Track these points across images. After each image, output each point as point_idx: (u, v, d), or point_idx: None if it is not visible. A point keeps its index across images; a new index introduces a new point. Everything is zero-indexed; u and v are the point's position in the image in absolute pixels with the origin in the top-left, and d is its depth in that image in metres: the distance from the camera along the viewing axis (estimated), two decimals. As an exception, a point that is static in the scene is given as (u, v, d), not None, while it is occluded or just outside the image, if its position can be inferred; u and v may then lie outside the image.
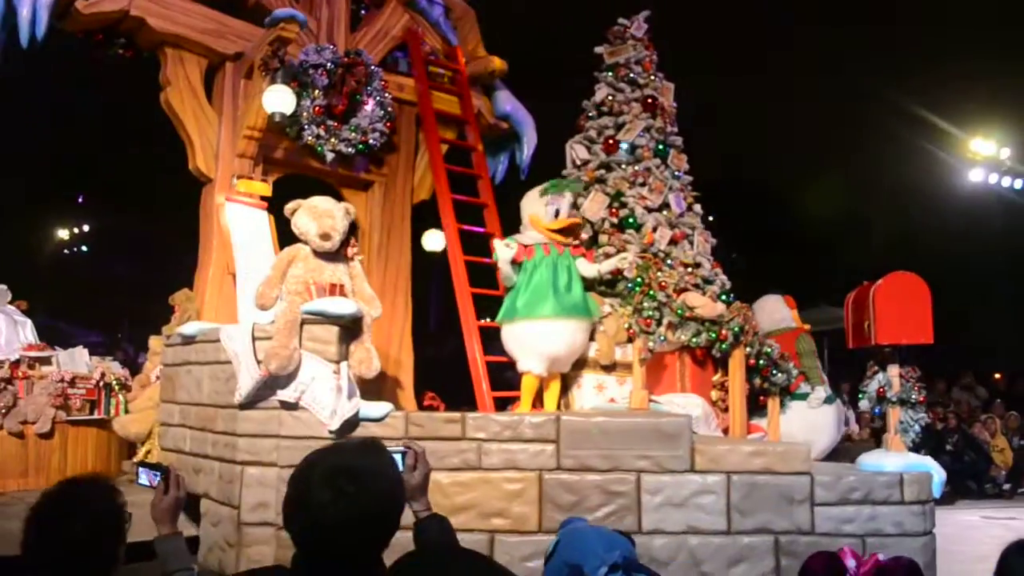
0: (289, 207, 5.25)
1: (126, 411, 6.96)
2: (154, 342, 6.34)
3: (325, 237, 5.09)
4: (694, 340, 5.83)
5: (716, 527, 4.82)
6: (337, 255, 5.25)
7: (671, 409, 5.74)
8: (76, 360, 6.59)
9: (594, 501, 4.86)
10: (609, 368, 6.04)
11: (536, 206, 5.99)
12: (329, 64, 6.28)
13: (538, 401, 5.95)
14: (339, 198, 6.93)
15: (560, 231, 5.91)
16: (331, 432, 4.89)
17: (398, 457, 2.35)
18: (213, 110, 6.23)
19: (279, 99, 5.86)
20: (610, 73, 6.76)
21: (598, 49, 6.98)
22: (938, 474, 4.87)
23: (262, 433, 5.01)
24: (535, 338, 5.70)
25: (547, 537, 4.82)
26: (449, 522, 2.51)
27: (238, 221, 6.03)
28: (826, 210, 16.47)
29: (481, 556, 2.08)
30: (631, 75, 6.66)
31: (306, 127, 6.28)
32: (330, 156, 6.42)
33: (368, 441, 2.01)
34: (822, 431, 6.22)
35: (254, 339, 5.02)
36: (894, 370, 5.12)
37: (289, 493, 1.88)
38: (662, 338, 5.79)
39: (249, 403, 5.00)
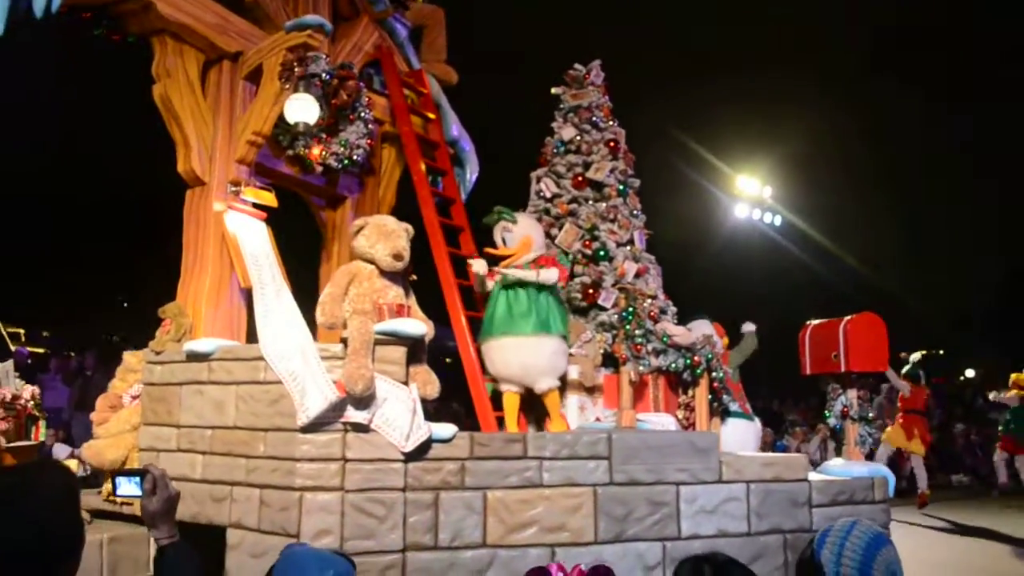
0: (356, 224, 5.12)
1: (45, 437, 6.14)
2: (131, 359, 5.68)
3: (398, 257, 5.05)
4: (673, 365, 6.50)
5: (739, 529, 5.50)
6: (396, 276, 5.21)
7: (652, 427, 6.35)
8: (10, 377, 5.70)
9: (642, 512, 5.32)
10: (591, 390, 6.52)
11: (496, 237, 6.28)
12: (324, 75, 6.13)
13: (521, 418, 6.22)
14: (309, 212, 6.78)
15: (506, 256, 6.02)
16: (404, 454, 4.87)
17: (135, 481, 2.27)
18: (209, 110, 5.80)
19: (303, 108, 5.66)
20: (572, 114, 7.27)
21: (555, 90, 7.46)
22: (891, 478, 5.98)
23: (324, 457, 4.83)
24: (493, 357, 5.87)
25: (603, 547, 5.25)
26: (192, 550, 2.31)
27: (243, 232, 5.67)
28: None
29: None
30: (593, 118, 7.23)
31: (300, 137, 6.07)
32: (319, 169, 6.25)
33: (44, 461, 1.96)
34: (744, 447, 7.15)
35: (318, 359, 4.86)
36: (853, 393, 6.19)
37: None
38: (647, 363, 6.40)
39: (310, 426, 4.80)
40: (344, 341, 4.94)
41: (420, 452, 4.94)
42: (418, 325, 4.97)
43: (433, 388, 5.11)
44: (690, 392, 6.66)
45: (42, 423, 6.06)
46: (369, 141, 6.55)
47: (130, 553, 5.31)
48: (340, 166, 6.33)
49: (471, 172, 7.87)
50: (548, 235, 6.82)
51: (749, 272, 21.40)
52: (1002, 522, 9.98)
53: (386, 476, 4.85)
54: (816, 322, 6.62)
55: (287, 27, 5.73)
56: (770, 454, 6.06)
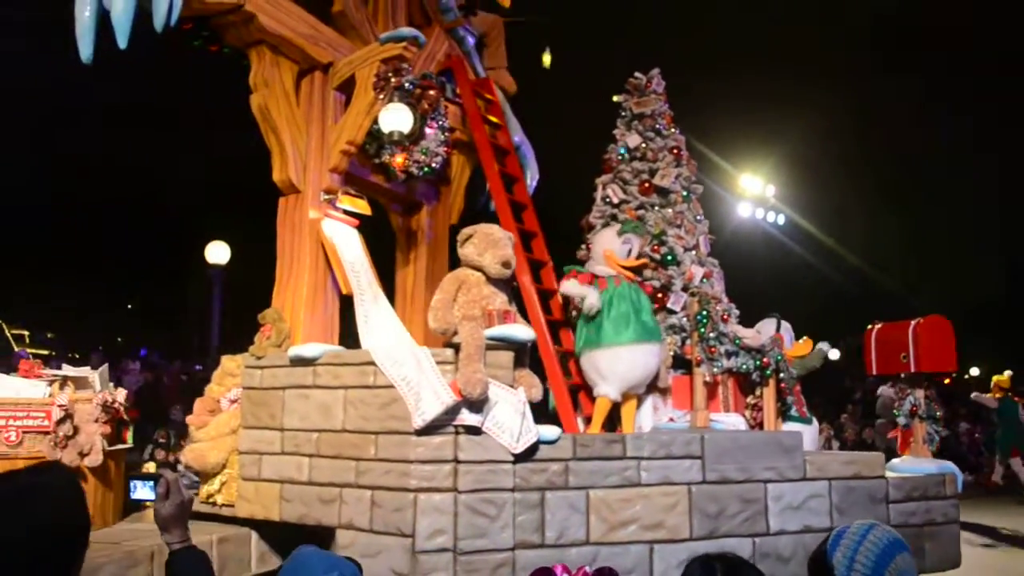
0: (464, 233, 5.28)
1: (134, 440, 6.23)
2: (229, 363, 5.78)
3: (507, 265, 5.21)
4: (744, 366, 6.70)
5: (823, 525, 5.70)
6: (501, 282, 5.36)
7: (724, 427, 6.55)
8: (106, 380, 5.78)
9: (733, 509, 5.51)
10: (662, 391, 6.71)
11: (613, 243, 6.50)
12: (408, 85, 6.26)
13: (607, 423, 6.43)
14: (387, 218, 6.92)
15: (631, 269, 6.50)
16: (513, 455, 5.02)
17: (149, 485, 2.36)
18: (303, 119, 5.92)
19: (398, 118, 5.79)
20: (636, 122, 7.45)
21: (617, 98, 7.65)
22: (959, 474, 6.22)
23: (437, 459, 4.98)
24: (618, 363, 6.16)
25: (698, 544, 5.43)
26: (205, 555, 2.30)
27: (339, 239, 5.80)
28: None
29: None
30: (656, 126, 7.41)
31: (386, 146, 6.19)
32: (402, 176, 6.38)
33: (46, 464, 1.96)
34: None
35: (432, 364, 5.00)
36: (921, 393, 6.43)
37: None
38: (720, 364, 6.59)
39: (423, 429, 4.94)
40: (451, 346, 5.09)
41: (527, 453, 5.09)
42: (526, 330, 5.14)
43: (537, 391, 5.27)
44: (757, 392, 6.86)
45: (131, 427, 6.14)
46: (446, 149, 6.68)
47: (236, 553, 5.43)
48: (420, 173, 6.46)
49: (531, 178, 8.02)
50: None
51: (752, 271, 21.66)
52: (1008, 521, 10.20)
53: (497, 477, 5.00)
54: (880, 325, 6.86)
55: (382, 39, 5.87)
56: (851, 452, 6.28)
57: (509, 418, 5.00)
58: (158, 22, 4.88)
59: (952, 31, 18.87)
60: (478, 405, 4.94)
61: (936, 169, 19.55)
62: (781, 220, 20.42)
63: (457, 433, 4.98)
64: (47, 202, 21.52)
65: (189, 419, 5.82)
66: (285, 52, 5.79)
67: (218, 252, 17.43)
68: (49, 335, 22.60)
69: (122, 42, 4.84)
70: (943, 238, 20.06)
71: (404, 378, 4.99)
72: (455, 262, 7.30)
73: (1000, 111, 18.88)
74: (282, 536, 5.65)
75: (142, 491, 2.34)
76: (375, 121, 5.95)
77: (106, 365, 5.85)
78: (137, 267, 24.50)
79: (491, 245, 5.22)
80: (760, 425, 6.81)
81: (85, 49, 4.93)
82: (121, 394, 5.88)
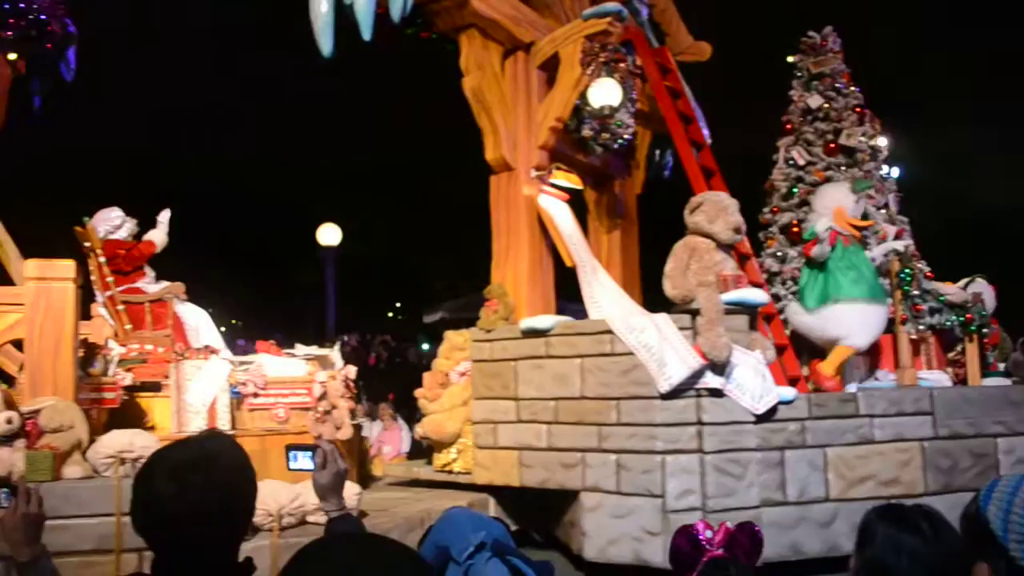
0: (694, 201, 5.38)
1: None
2: (456, 338, 6.05)
3: (738, 230, 5.31)
4: (947, 322, 6.66)
5: (1056, 478, 5.67)
6: (728, 248, 5.46)
7: (929, 384, 6.52)
8: (339, 359, 6.12)
9: (965, 463, 5.53)
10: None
11: (846, 200, 6.34)
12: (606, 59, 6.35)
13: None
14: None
15: (858, 228, 6.41)
16: (753, 415, 5.14)
17: (308, 455, 2.37)
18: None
19: (608, 92, 5.92)
20: (816, 82, 7.41)
21: (792, 58, 7.61)
22: None
23: (681, 421, 5.13)
24: (867, 318, 6.09)
25: (933, 499, 5.45)
26: (361, 522, 2.34)
27: (557, 213, 5.98)
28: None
29: (391, 541, 2.21)
30: (836, 85, 7.35)
31: (586, 120, 6.32)
32: (599, 150, 6.50)
33: (210, 431, 2.03)
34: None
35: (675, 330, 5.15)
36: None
37: (135, 493, 1.79)
38: (925, 321, 6.57)
39: (667, 393, 5.09)
40: (687, 311, 5.22)
41: (766, 414, 5.20)
42: (761, 294, 5.24)
43: (772, 353, 5.37)
44: (958, 348, 6.81)
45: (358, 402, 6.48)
46: (636, 121, 6.77)
47: (480, 518, 5.69)
48: (616, 146, 6.56)
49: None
50: (806, 202, 7.01)
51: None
52: None
53: (740, 437, 5.14)
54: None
55: (585, 15, 5.98)
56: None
57: (750, 380, 5.12)
58: (395, 11, 5.10)
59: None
60: (720, 368, 5.06)
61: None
62: (896, 173, 19.85)
63: (699, 396, 5.12)
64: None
65: (418, 392, 6.12)
66: (493, 34, 5.96)
67: (329, 234, 17.96)
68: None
69: (366, 33, 5.08)
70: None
71: (645, 345, 5.14)
72: (646, 232, 7.46)
73: None
74: (516, 500, 5.91)
75: (301, 460, 2.47)
76: (579, 96, 6.08)
77: (339, 344, 6.18)
78: (253, 250, 25.28)
79: (721, 212, 5.31)
80: (963, 381, 6.76)
81: (326, 45, 5.19)
82: (352, 371, 6.21)
